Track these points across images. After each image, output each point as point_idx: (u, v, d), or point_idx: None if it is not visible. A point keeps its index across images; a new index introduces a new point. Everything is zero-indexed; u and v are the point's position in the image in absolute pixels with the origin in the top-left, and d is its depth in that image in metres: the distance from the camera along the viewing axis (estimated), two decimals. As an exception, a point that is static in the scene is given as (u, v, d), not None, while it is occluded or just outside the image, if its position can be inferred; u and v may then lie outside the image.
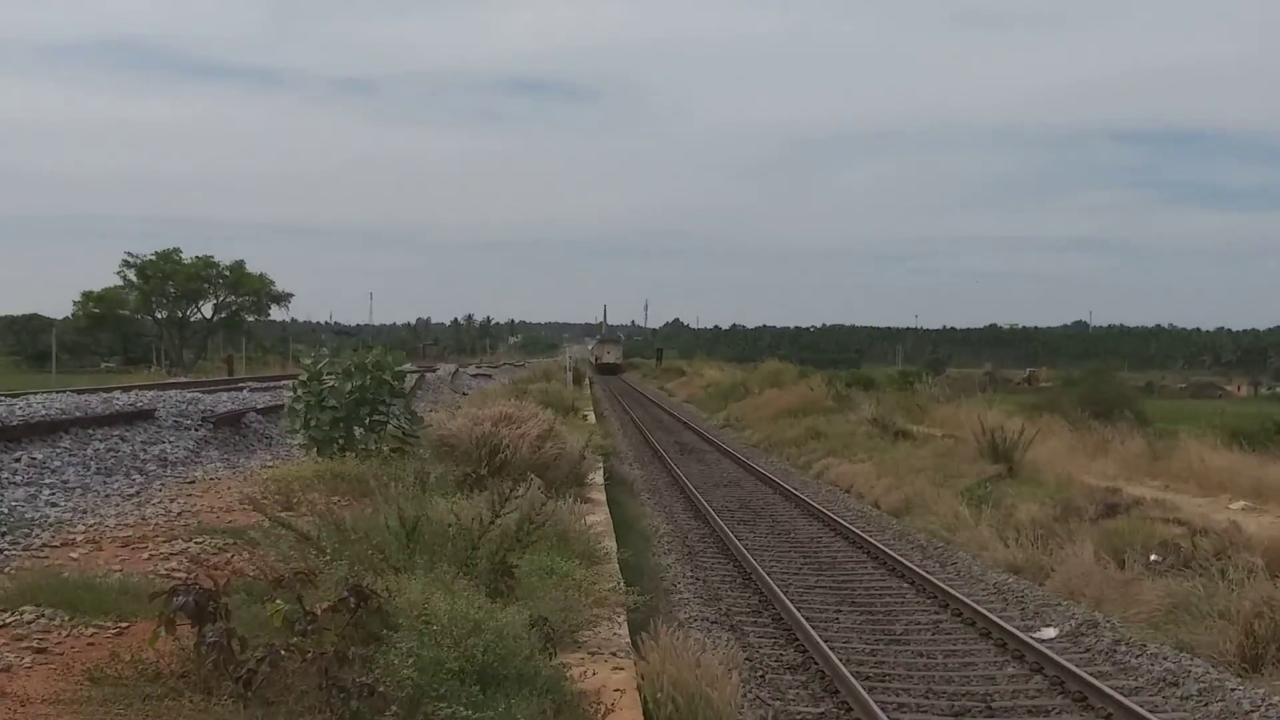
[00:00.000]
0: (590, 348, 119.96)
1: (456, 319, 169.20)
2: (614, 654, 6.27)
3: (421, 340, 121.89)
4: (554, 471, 11.74)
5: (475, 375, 48.32)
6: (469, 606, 5.01)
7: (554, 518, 8.08)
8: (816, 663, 10.04)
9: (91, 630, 5.28)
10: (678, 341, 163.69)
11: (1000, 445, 20.05)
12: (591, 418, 28.41)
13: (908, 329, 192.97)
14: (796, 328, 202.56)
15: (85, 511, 8.88)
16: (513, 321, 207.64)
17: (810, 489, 22.14)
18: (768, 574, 13.42)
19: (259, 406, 17.37)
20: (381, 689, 4.04)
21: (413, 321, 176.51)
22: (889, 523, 18.03)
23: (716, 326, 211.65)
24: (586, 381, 53.74)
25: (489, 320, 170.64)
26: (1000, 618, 11.34)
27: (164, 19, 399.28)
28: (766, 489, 22.26)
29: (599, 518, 11.15)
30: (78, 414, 13.19)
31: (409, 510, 6.47)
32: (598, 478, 15.13)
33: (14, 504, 8.75)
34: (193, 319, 62.63)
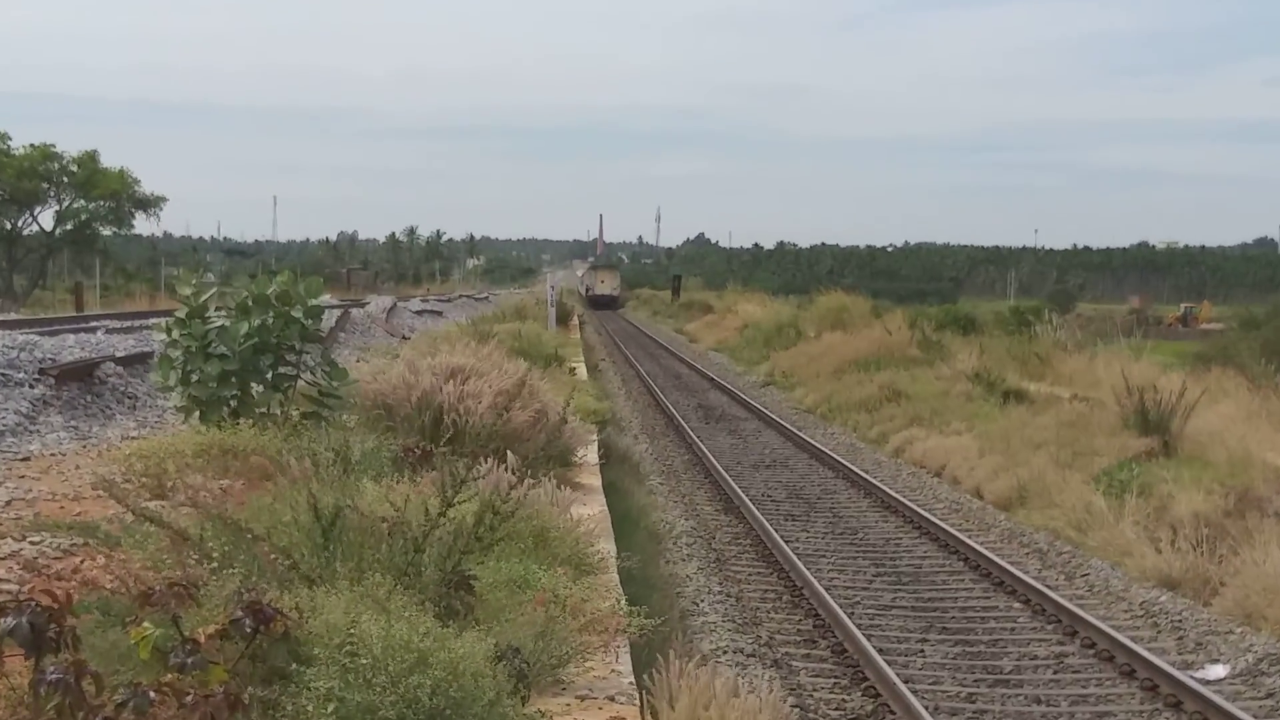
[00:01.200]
0: (580, 275, 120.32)
1: (394, 234, 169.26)
2: (611, 698, 6.30)
3: (345, 263, 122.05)
4: (529, 445, 11.77)
5: (420, 312, 48.45)
6: (411, 632, 5.03)
7: (528, 509, 8.09)
8: (893, 712, 10.11)
9: (-113, 663, 5.31)
10: (703, 266, 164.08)
11: (1151, 411, 20.03)
12: (582, 372, 28.47)
13: (1024, 249, 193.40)
14: (869, 247, 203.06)
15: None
16: (472, 238, 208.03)
17: (886, 471, 22.22)
18: (826, 589, 13.49)
19: (119, 354, 17.39)
20: (289, 745, 4.05)
21: (333, 237, 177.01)
22: (995, 519, 18.08)
23: (756, 245, 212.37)
24: (576, 321, 53.83)
25: (439, 236, 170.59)
26: (1149, 650, 11.40)
27: None
28: (825, 471, 22.34)
29: (592, 510, 11.18)
30: None
31: (326, 498, 6.47)
32: (591, 455, 15.17)
33: None
34: (26, 232, 62.58)
